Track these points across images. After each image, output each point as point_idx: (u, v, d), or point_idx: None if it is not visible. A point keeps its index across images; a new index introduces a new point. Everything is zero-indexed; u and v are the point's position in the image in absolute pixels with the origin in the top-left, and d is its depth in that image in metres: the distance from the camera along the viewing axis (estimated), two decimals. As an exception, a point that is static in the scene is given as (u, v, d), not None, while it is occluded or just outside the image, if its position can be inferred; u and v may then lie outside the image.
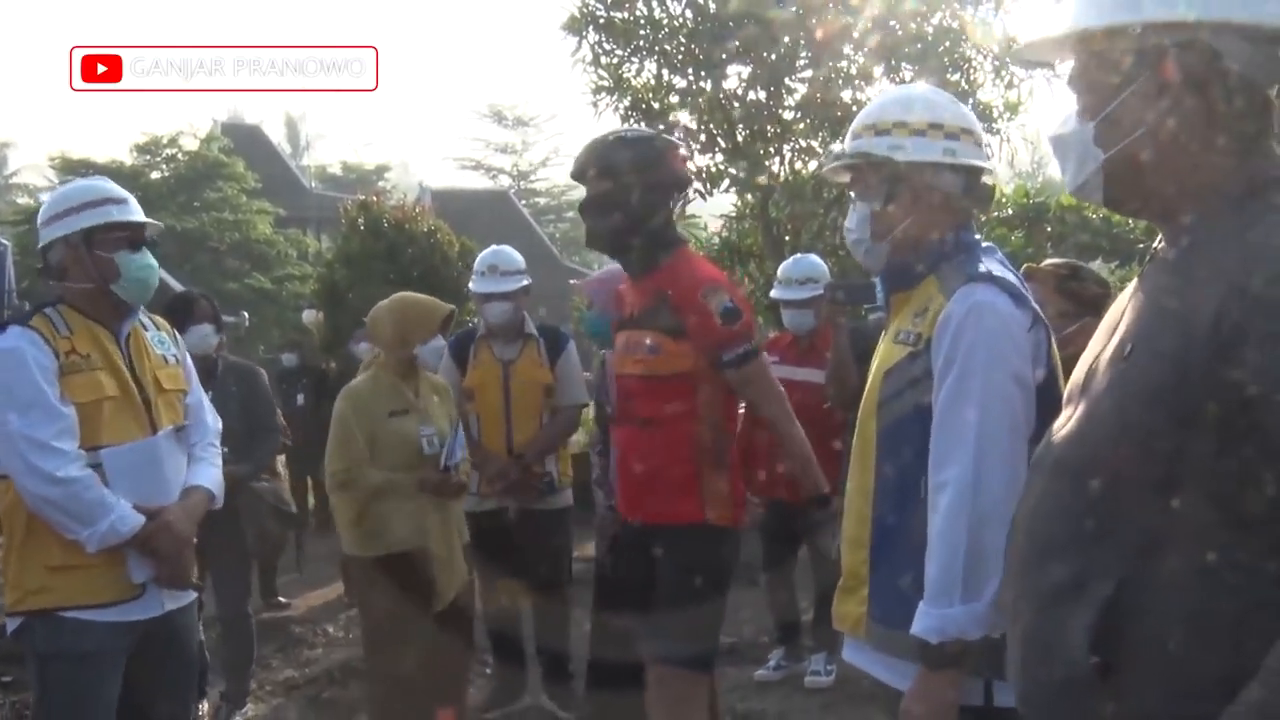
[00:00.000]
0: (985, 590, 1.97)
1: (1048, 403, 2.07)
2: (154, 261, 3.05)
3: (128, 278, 2.96)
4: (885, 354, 2.29)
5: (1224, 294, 1.33)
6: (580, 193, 3.37)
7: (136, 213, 3.03)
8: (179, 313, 4.77)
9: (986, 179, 2.33)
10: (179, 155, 29.58)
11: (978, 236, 2.32)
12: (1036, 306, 2.14)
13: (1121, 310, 1.57)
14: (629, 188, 3.18)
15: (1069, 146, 1.58)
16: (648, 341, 3.19)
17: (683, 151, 3.41)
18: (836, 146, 2.44)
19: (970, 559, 1.99)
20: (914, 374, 2.17)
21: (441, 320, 4.07)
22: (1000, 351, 2.05)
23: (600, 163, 3.24)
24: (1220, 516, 1.33)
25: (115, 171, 25.60)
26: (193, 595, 3.09)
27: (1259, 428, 1.29)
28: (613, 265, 3.88)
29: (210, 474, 3.12)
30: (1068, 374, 1.76)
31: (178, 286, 25.18)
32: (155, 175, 29.30)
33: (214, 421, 3.23)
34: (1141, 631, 1.37)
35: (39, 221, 3.03)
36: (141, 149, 29.45)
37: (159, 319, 3.18)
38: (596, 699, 3.80)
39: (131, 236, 2.99)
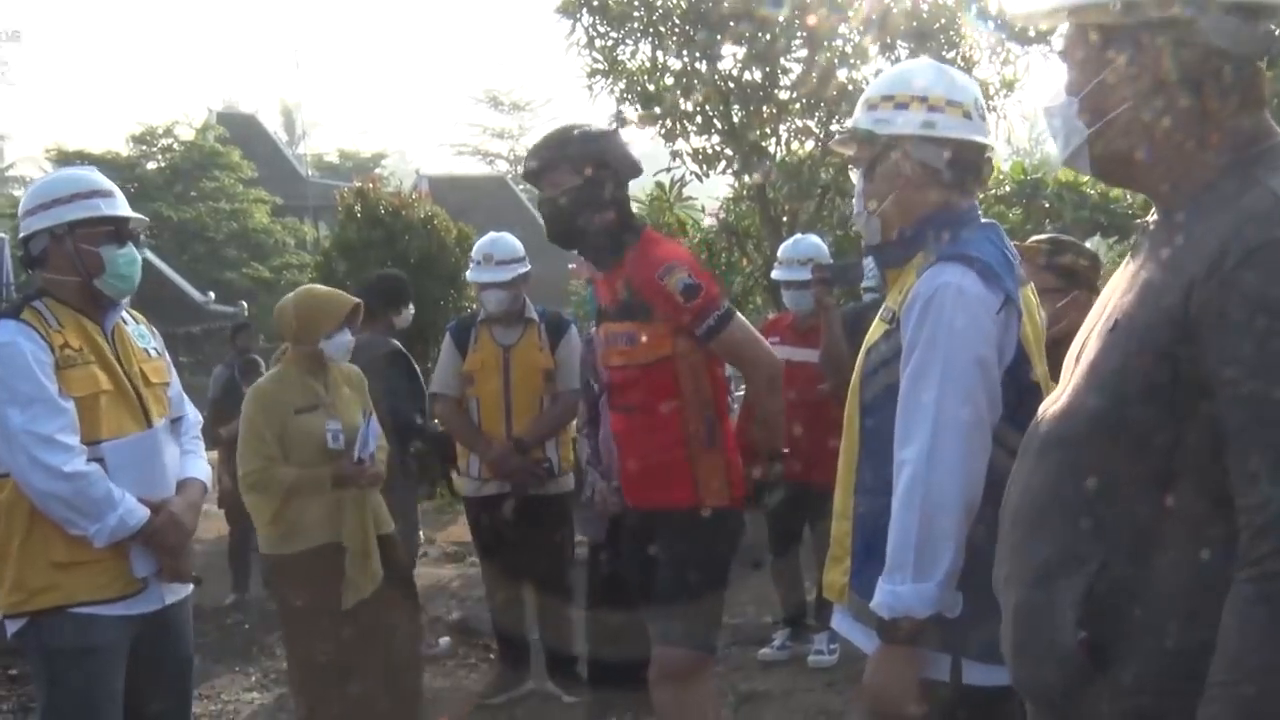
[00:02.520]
0: (936, 570, 2.00)
1: (1017, 385, 2.08)
2: (138, 256, 3.02)
3: (112, 273, 2.92)
4: (871, 331, 2.31)
5: (1194, 273, 1.33)
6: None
7: (123, 206, 3.00)
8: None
9: (985, 153, 2.30)
10: (175, 145, 29.56)
11: (979, 212, 2.31)
12: (1011, 287, 2.12)
13: (1115, 285, 1.56)
14: (579, 184, 3.18)
15: (1058, 119, 1.58)
16: (624, 333, 3.20)
17: (622, 135, 3.39)
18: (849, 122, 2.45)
19: (921, 539, 2.00)
20: (888, 352, 2.18)
21: (346, 314, 3.95)
22: (962, 333, 2.04)
23: (549, 162, 3.23)
24: (1187, 495, 1.34)
25: (111, 162, 25.57)
26: (190, 588, 3.08)
27: (1214, 410, 1.30)
28: None
29: (201, 466, 3.13)
30: (1059, 352, 1.76)
31: (174, 277, 25.03)
32: (151, 166, 29.30)
33: (194, 414, 3.23)
34: (1138, 615, 1.37)
35: (21, 210, 2.97)
36: (137, 139, 29.42)
37: (136, 313, 3.14)
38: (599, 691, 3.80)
39: (117, 230, 2.96)
